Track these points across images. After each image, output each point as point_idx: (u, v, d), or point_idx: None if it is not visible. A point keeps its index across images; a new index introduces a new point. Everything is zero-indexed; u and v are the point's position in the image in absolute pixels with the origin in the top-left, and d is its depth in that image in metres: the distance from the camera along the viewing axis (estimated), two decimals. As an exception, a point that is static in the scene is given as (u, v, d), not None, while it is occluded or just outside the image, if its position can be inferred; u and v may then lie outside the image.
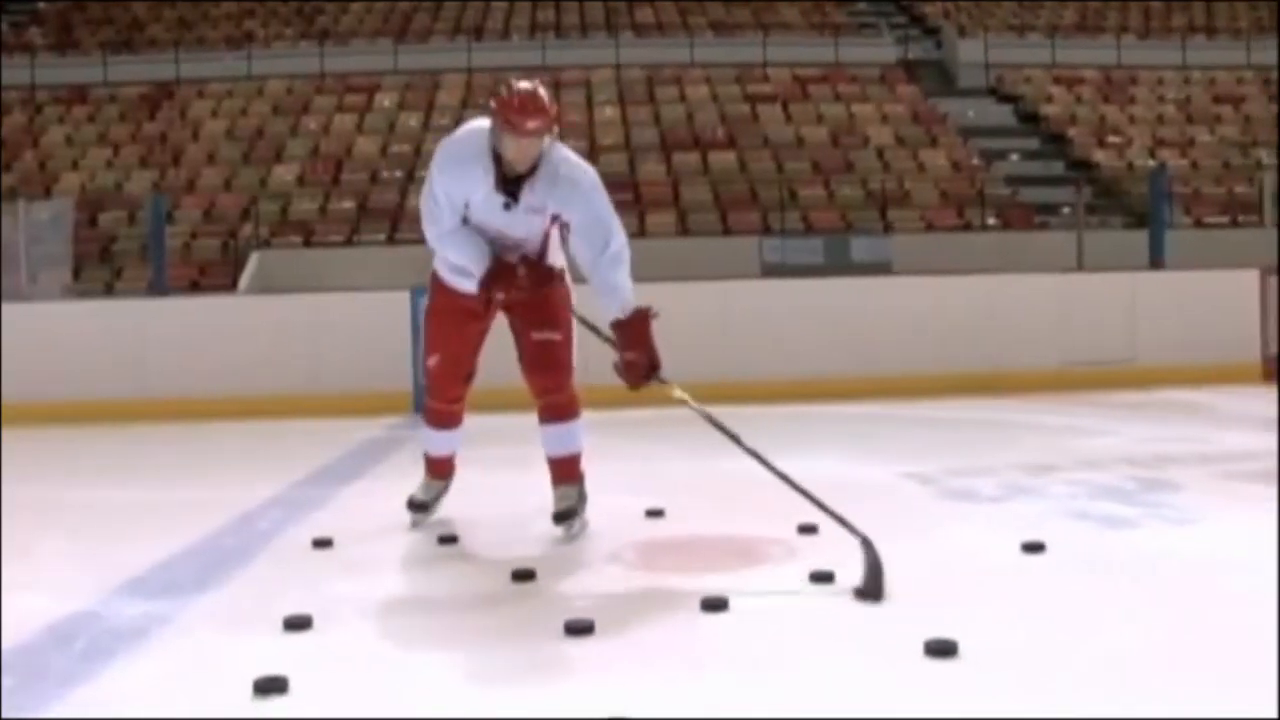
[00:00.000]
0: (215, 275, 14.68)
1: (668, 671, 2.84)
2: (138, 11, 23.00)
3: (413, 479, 4.80)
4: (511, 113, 4.01)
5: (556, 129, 4.19)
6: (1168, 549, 4.09)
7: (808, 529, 4.18)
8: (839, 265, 13.69)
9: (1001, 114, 20.09)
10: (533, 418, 4.50)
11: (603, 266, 4.13)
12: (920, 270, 12.32)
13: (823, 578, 3.53)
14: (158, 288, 12.50)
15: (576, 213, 4.15)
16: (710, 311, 9.61)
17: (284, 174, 17.30)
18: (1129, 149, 18.29)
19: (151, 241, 13.04)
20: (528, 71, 20.01)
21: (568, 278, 4.47)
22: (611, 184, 16.67)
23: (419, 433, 4.83)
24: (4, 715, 2.57)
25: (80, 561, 4.28)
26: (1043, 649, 2.93)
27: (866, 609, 3.33)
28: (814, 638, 3.09)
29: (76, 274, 14.02)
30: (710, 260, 13.48)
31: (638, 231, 15.46)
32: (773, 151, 17.53)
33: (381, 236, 15.60)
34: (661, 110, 18.88)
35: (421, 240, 4.42)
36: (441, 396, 4.59)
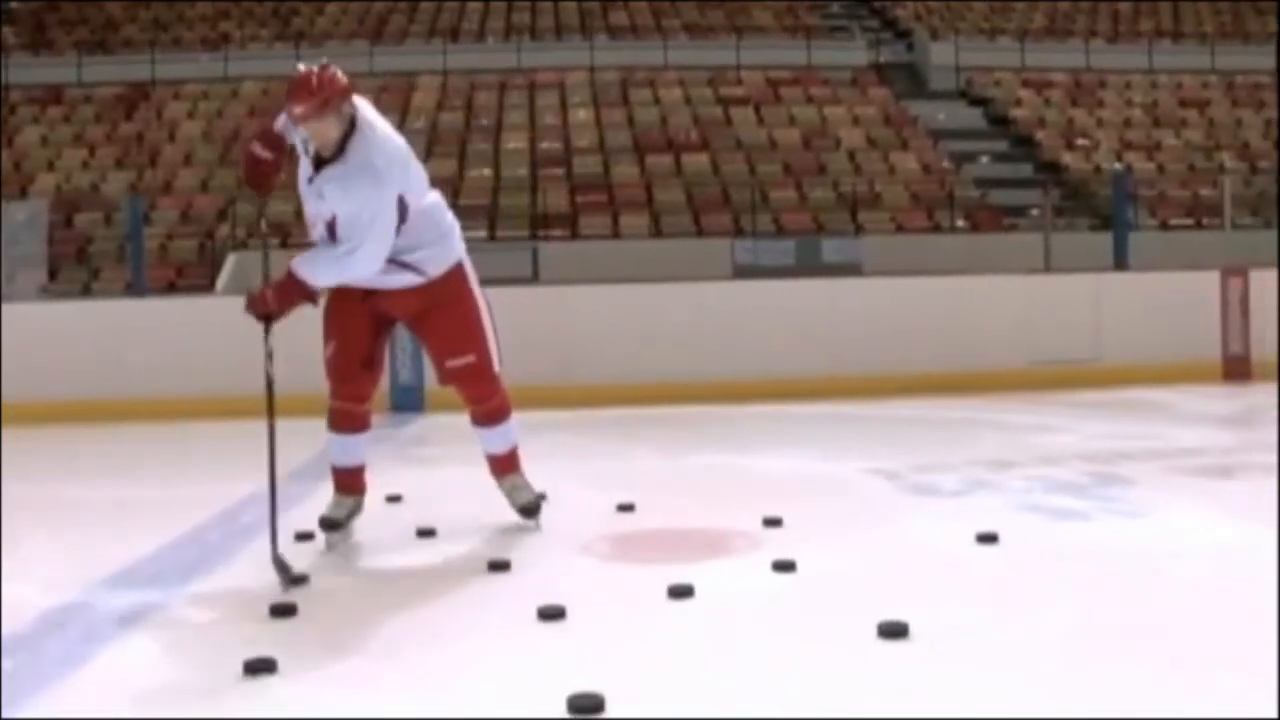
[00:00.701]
0: (192, 276, 14.72)
1: (635, 653, 3.00)
2: (112, 12, 22.97)
3: (389, 475, 4.91)
4: (285, 98, 3.98)
5: (353, 107, 4.03)
6: (1115, 539, 4.27)
7: (772, 522, 4.36)
8: (810, 266, 13.83)
9: (971, 117, 20.31)
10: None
11: (329, 251, 4.06)
12: (890, 272, 12.48)
13: (784, 567, 3.70)
14: (136, 288, 12.55)
15: (342, 207, 4.03)
16: (683, 312, 9.71)
17: (260, 175, 17.34)
18: (1096, 152, 18.54)
19: (130, 242, 13.07)
20: (503, 74, 20.20)
21: (472, 281, 4.36)
22: (585, 185, 16.72)
23: (324, 439, 4.54)
24: (4, 697, 2.69)
25: (68, 556, 4.39)
26: (988, 629, 3.12)
27: (825, 597, 3.50)
28: (775, 621, 3.26)
29: (53, 275, 14.05)
30: (683, 262, 13.60)
31: (611, 233, 15.60)
32: (745, 154, 17.69)
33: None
34: (635, 112, 19.01)
35: None
36: (342, 392, 4.35)
